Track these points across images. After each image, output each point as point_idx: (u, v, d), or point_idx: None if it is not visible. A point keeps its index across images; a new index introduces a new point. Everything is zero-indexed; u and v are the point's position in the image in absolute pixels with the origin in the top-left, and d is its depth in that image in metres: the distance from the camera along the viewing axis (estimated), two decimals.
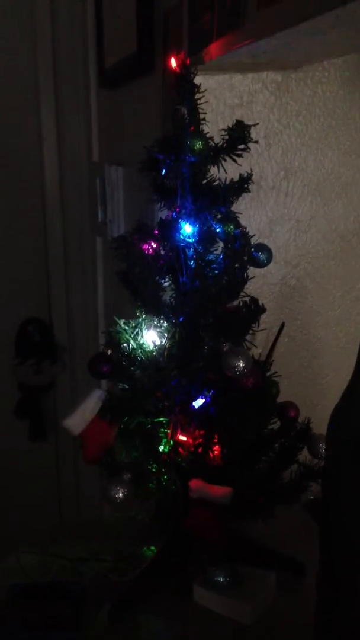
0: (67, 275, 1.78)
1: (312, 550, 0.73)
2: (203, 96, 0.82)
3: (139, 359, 0.84)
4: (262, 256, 0.86)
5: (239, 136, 0.83)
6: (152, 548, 0.91)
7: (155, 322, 0.85)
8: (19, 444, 1.84)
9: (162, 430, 0.85)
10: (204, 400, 0.84)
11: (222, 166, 0.84)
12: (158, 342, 0.84)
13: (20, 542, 0.96)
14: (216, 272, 0.83)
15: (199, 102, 0.82)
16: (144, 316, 0.85)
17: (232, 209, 0.85)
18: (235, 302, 0.86)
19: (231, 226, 0.83)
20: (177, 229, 0.83)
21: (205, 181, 0.84)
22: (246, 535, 0.91)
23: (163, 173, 0.83)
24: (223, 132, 0.83)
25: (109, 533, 0.99)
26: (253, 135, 0.84)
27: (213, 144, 0.83)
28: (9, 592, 0.84)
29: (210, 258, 0.83)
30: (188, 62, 0.81)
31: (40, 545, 0.96)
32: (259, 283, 1.04)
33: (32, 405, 1.85)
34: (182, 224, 0.83)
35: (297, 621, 0.79)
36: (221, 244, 0.84)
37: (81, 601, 0.83)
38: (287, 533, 0.94)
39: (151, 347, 0.84)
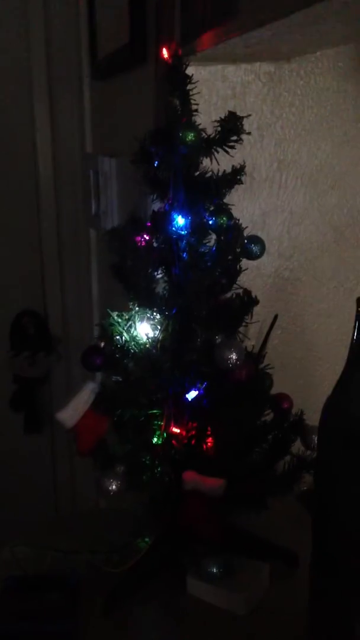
0: (61, 267, 1.78)
1: (305, 541, 0.74)
2: (195, 87, 0.82)
3: (132, 351, 0.84)
4: (255, 248, 0.86)
5: (231, 127, 0.83)
6: (146, 540, 0.92)
7: (148, 315, 0.85)
8: (14, 436, 1.84)
9: (156, 422, 0.85)
10: (197, 392, 0.84)
11: (215, 158, 0.84)
12: (151, 335, 0.84)
13: (15, 535, 0.97)
14: (209, 264, 0.83)
15: (191, 93, 0.81)
16: (137, 308, 0.85)
17: (224, 200, 0.85)
18: (228, 294, 0.86)
19: (224, 218, 0.83)
20: (170, 221, 0.82)
21: (197, 173, 0.84)
22: (239, 526, 0.91)
23: (155, 165, 0.82)
24: (216, 124, 0.83)
25: (103, 525, 0.99)
26: (246, 127, 0.84)
27: (205, 136, 0.82)
28: (3, 584, 0.84)
29: (203, 250, 0.83)
30: (180, 52, 0.81)
31: (35, 537, 0.96)
32: (252, 275, 1.04)
33: (27, 397, 1.85)
34: (174, 216, 0.82)
35: (291, 611, 0.80)
36: (214, 236, 0.84)
37: (76, 593, 0.83)
38: (280, 524, 0.95)
39: (144, 339, 0.84)
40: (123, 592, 0.84)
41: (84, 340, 1.67)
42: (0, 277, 1.79)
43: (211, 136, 0.83)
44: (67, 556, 0.90)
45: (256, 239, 0.86)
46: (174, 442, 0.84)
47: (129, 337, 0.85)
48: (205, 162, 0.84)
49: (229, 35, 0.78)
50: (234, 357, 0.80)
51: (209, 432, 0.85)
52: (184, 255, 0.83)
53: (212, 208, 0.84)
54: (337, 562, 0.70)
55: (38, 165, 1.71)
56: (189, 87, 0.81)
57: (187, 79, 0.81)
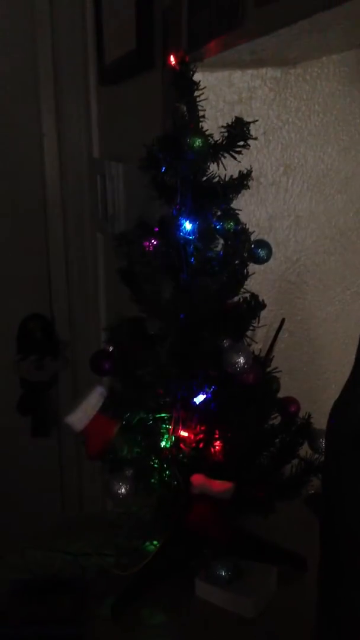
0: (68, 271, 1.79)
1: (312, 544, 0.74)
2: (202, 93, 0.82)
3: (140, 355, 0.85)
4: (262, 252, 0.86)
5: (238, 133, 0.83)
6: (155, 543, 0.92)
7: (156, 319, 0.85)
8: (21, 440, 1.85)
9: (164, 426, 0.85)
10: (205, 396, 0.85)
11: (222, 163, 0.84)
12: (159, 339, 0.84)
13: (24, 538, 0.97)
14: (216, 268, 0.83)
15: (198, 99, 0.82)
16: (144, 313, 0.86)
17: (231, 205, 0.85)
18: (236, 299, 0.86)
19: (231, 223, 0.84)
20: (178, 226, 0.83)
21: (205, 178, 0.84)
22: (248, 530, 0.91)
23: (163, 170, 0.83)
24: (222, 129, 0.84)
25: (111, 528, 0.99)
26: (252, 132, 0.84)
27: (212, 141, 0.83)
28: (12, 587, 0.85)
29: (210, 255, 0.84)
30: (187, 59, 0.81)
31: (44, 540, 0.96)
32: (259, 279, 1.04)
33: (35, 401, 1.85)
34: (182, 221, 0.83)
35: (299, 614, 0.80)
36: (221, 241, 0.85)
37: (84, 596, 0.83)
38: (288, 527, 0.95)
39: (152, 343, 0.85)
40: (131, 595, 0.84)
41: (90, 344, 1.67)
42: (7, 281, 1.80)
43: (218, 142, 0.83)
44: (76, 559, 0.90)
45: (263, 244, 0.86)
46: (182, 445, 0.85)
47: (137, 342, 0.85)
48: (212, 167, 0.85)
49: (236, 42, 0.79)
50: (241, 361, 0.80)
51: (216, 436, 0.86)
52: (192, 260, 0.83)
53: (219, 213, 0.84)
54: (345, 565, 0.70)
55: (45, 170, 1.72)
56: (196, 93, 0.82)
57: (194, 85, 0.82)
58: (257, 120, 0.92)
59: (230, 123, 0.84)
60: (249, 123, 0.84)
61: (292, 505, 0.89)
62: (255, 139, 0.86)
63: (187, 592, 0.85)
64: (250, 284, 0.87)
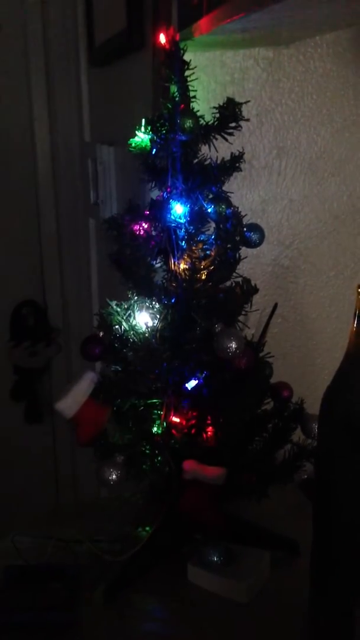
0: (60, 257, 1.78)
1: (306, 529, 0.74)
2: (193, 73, 0.81)
3: (131, 340, 0.84)
4: (254, 236, 0.85)
5: (230, 114, 0.82)
6: (147, 529, 0.92)
7: (147, 304, 0.84)
8: (15, 426, 1.84)
9: (155, 412, 0.85)
10: (196, 381, 0.84)
11: (213, 145, 0.83)
12: (150, 324, 0.84)
13: (16, 524, 0.97)
14: (208, 252, 0.82)
15: (189, 79, 0.81)
16: (136, 298, 0.85)
17: (223, 188, 0.84)
18: (228, 283, 0.85)
19: (223, 206, 0.83)
20: (168, 209, 0.82)
21: (196, 160, 0.83)
22: (240, 515, 0.91)
23: (153, 152, 0.82)
24: (214, 110, 0.82)
25: (104, 514, 0.99)
26: (245, 113, 0.83)
27: (204, 123, 0.82)
28: (4, 574, 0.84)
29: (201, 239, 0.83)
30: (177, 38, 0.80)
31: (36, 526, 0.96)
32: (252, 263, 1.04)
33: (28, 387, 1.85)
34: (172, 205, 0.82)
35: (292, 599, 0.80)
36: (213, 225, 0.84)
37: (76, 582, 0.83)
38: (281, 512, 0.95)
39: (143, 328, 0.84)
40: (124, 580, 0.84)
41: (83, 330, 1.66)
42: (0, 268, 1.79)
43: (209, 123, 0.82)
44: (68, 546, 0.90)
45: (255, 227, 0.86)
46: (173, 431, 0.84)
47: (128, 327, 0.84)
48: (204, 149, 0.84)
49: (227, 19, 0.77)
50: (233, 346, 0.80)
51: (209, 422, 0.85)
52: (183, 244, 0.82)
53: (210, 196, 0.83)
54: (337, 549, 0.70)
55: (36, 154, 1.70)
56: (186, 73, 0.80)
57: (185, 65, 0.80)
58: (249, 101, 0.91)
59: (221, 104, 0.82)
60: (240, 104, 0.83)
61: (285, 490, 0.89)
62: (248, 120, 0.85)
63: (180, 578, 0.85)
64: (243, 269, 0.86)
